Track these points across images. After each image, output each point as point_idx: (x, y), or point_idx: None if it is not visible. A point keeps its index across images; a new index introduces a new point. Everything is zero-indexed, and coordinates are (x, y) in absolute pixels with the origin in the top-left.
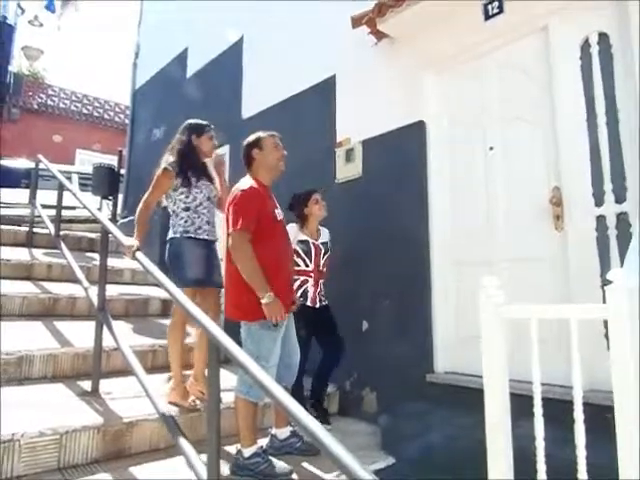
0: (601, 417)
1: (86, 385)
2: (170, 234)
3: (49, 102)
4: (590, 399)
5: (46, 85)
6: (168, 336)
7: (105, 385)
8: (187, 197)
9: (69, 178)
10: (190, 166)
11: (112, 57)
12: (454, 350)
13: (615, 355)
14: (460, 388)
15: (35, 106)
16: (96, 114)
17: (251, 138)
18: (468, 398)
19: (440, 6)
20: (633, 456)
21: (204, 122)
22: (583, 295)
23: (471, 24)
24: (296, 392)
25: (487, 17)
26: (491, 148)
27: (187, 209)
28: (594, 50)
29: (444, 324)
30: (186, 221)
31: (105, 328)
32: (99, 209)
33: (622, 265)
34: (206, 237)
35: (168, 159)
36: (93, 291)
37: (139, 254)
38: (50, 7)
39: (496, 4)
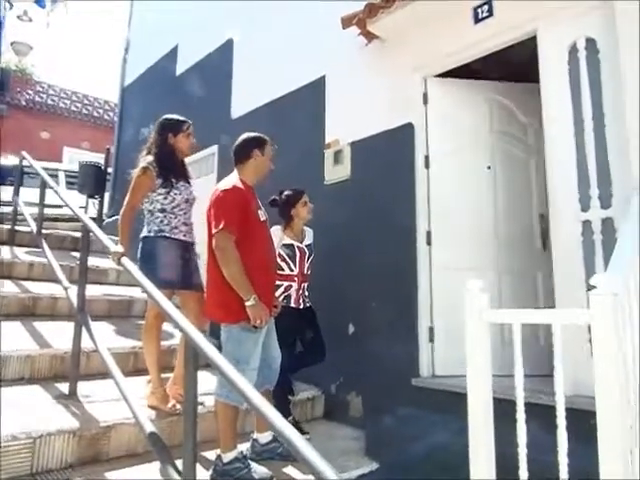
0: (585, 422)
1: (64, 387)
2: (144, 232)
3: (37, 98)
4: (575, 404)
5: (34, 81)
6: (143, 339)
7: (84, 388)
8: (165, 198)
9: (56, 176)
10: (169, 167)
11: (101, 54)
12: (440, 354)
13: (598, 360)
14: (445, 392)
15: (23, 102)
16: (85, 111)
17: (257, 136)
18: (453, 402)
19: (430, 8)
20: (613, 461)
21: (180, 118)
22: (568, 299)
23: (461, 27)
24: (278, 393)
25: (477, 20)
26: (489, 167)
27: (163, 210)
28: (581, 55)
29: (430, 328)
30: (162, 221)
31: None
32: (85, 208)
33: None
34: (182, 238)
35: (147, 158)
36: (74, 291)
37: (124, 259)
38: (40, 3)
39: (486, 7)
